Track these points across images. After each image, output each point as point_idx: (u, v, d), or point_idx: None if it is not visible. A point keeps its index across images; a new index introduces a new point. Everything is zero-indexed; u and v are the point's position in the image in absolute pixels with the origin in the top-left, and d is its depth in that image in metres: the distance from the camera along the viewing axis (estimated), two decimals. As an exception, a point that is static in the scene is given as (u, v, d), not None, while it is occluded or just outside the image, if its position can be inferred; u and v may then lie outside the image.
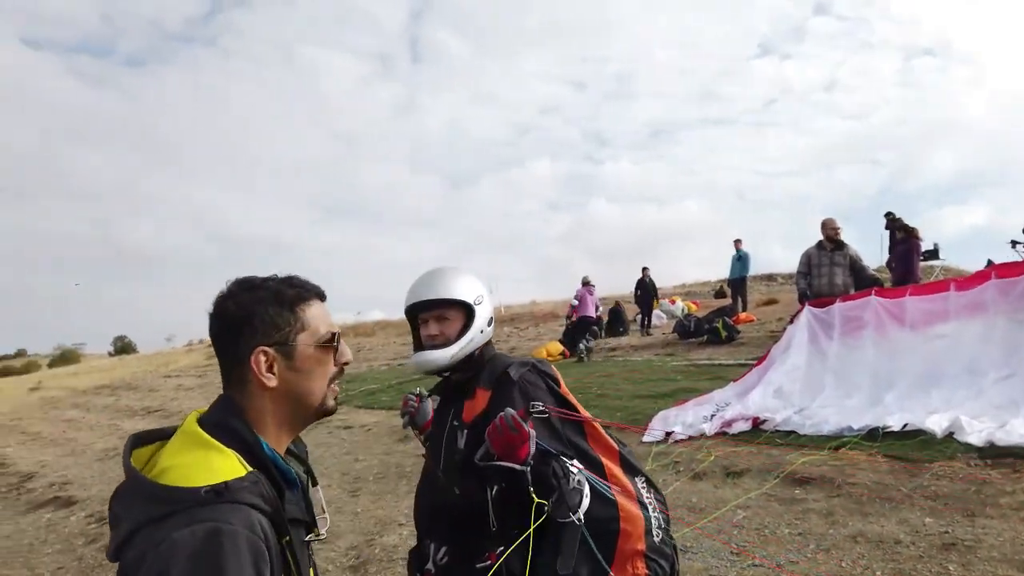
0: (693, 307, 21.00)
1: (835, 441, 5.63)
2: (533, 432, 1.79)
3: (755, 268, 18.69)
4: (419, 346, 2.14)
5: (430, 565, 1.99)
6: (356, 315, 37.81)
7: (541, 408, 1.95)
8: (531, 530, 1.77)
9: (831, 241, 9.08)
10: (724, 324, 13.87)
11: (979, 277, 6.88)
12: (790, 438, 6.07)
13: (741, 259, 17.35)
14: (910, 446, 5.24)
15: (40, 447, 14.05)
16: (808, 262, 9.21)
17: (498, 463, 1.76)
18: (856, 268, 8.97)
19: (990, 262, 8.60)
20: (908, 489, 4.49)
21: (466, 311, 2.08)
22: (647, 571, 1.92)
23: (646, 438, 6.75)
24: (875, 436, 5.62)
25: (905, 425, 5.67)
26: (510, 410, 1.75)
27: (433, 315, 2.08)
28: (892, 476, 4.75)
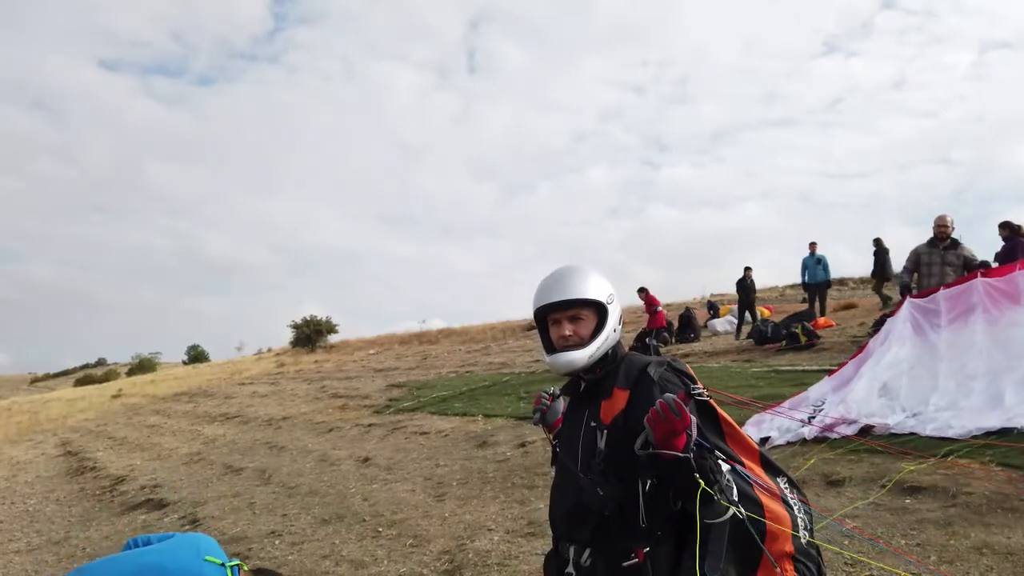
0: (767, 312, 20.46)
1: (943, 448, 5.37)
2: (695, 419, 1.75)
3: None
4: (550, 347, 2.12)
5: (570, 568, 1.96)
6: (421, 323, 38.32)
7: (701, 390, 1.91)
8: (699, 520, 1.73)
9: (942, 239, 8.58)
10: (803, 329, 13.48)
11: None
12: (895, 442, 5.83)
13: (820, 262, 16.89)
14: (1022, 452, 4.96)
15: (128, 451, 14.65)
16: (917, 259, 8.72)
17: (659, 451, 1.71)
18: (969, 267, 8.41)
19: None
20: (1031, 499, 4.25)
21: (599, 311, 2.06)
22: (795, 573, 1.86)
23: None
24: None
25: None
26: (670, 395, 1.70)
27: (567, 315, 2.05)
28: (1011, 486, 4.49)
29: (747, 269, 18.51)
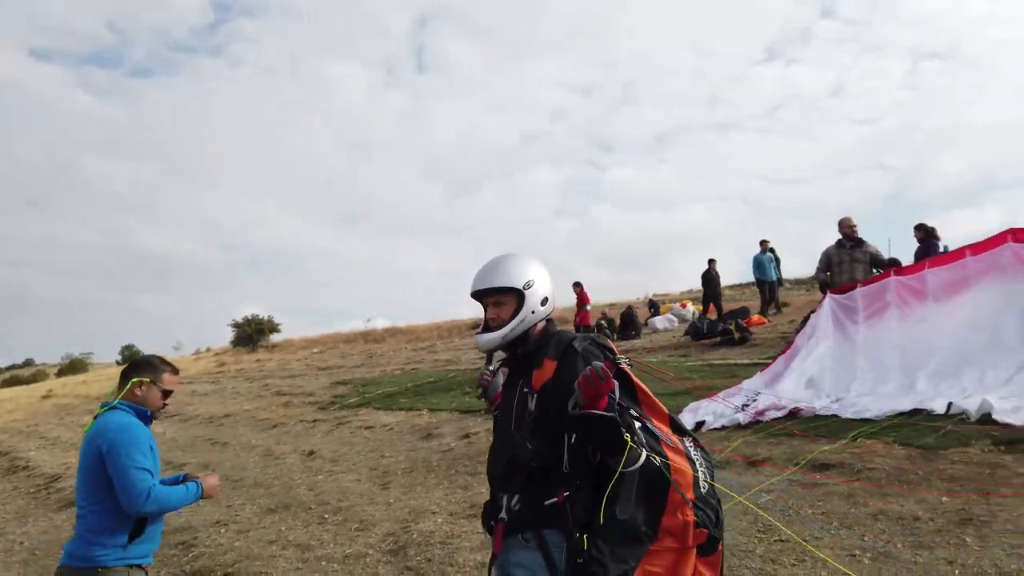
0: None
1: (854, 431, 5.84)
2: (616, 384, 2.05)
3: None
4: (485, 327, 2.42)
5: (503, 514, 2.24)
6: (366, 322, 38.11)
7: (627, 360, 2.22)
8: (620, 469, 2.03)
9: (850, 239, 9.20)
10: (737, 326, 14.08)
11: (995, 241, 6.99)
12: (817, 424, 6.31)
13: (773, 260, 17.47)
14: (923, 432, 5.46)
15: (61, 451, 14.28)
16: (828, 260, 9.34)
17: (586, 412, 2.01)
18: (876, 263, 9.09)
19: None
20: (925, 473, 4.70)
21: (518, 296, 2.35)
22: (694, 517, 2.16)
23: None
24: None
25: (949, 406, 5.94)
26: (598, 363, 1.99)
27: (491, 300, 2.38)
28: (909, 462, 4.96)
29: (711, 262, 18.99)
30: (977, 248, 7.07)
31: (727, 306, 20.15)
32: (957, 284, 7.07)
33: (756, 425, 6.77)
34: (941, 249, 11.51)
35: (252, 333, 36.15)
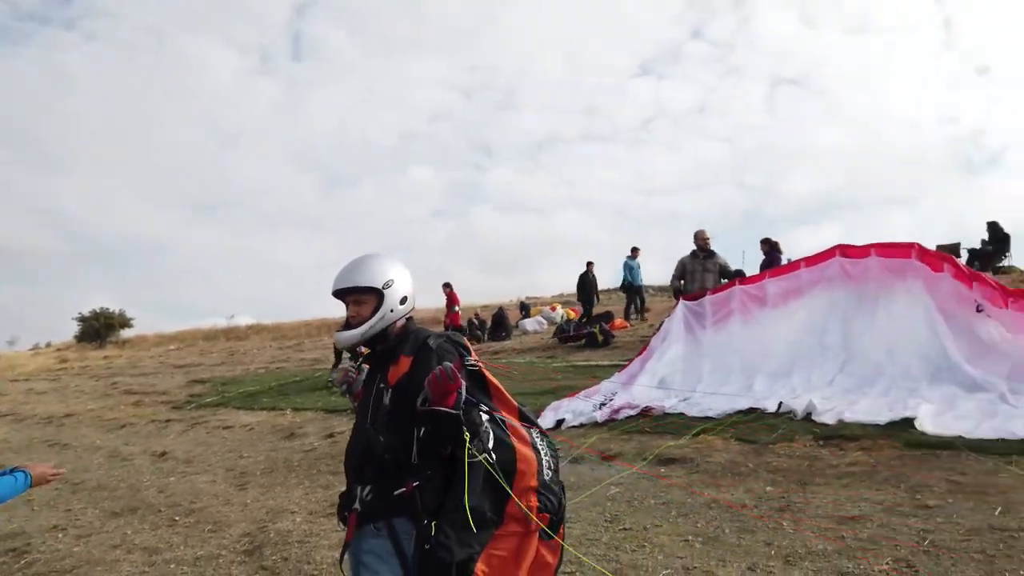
0: (572, 314, 21.88)
1: (697, 428, 6.32)
2: (464, 383, 2.17)
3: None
4: (347, 325, 2.50)
5: (357, 504, 2.31)
6: (228, 319, 36.46)
7: (474, 362, 2.35)
8: (465, 463, 2.15)
9: (703, 250, 9.97)
10: (600, 329, 14.73)
11: (825, 255, 7.87)
12: (666, 422, 6.77)
13: (639, 267, 18.31)
14: (757, 429, 6.01)
15: None
16: (683, 268, 10.08)
17: (434, 408, 2.12)
18: (725, 274, 9.92)
19: None
20: (754, 465, 5.18)
21: (378, 295, 2.44)
22: (538, 503, 2.32)
23: None
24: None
25: (780, 405, 6.56)
26: (448, 363, 2.11)
27: (352, 299, 2.46)
28: (742, 456, 5.44)
29: (589, 264, 19.55)
30: (810, 261, 7.88)
31: (593, 311, 20.93)
32: (792, 293, 7.83)
33: (612, 423, 7.15)
34: (784, 261, 12.59)
35: (100, 328, 33.67)
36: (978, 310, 6.67)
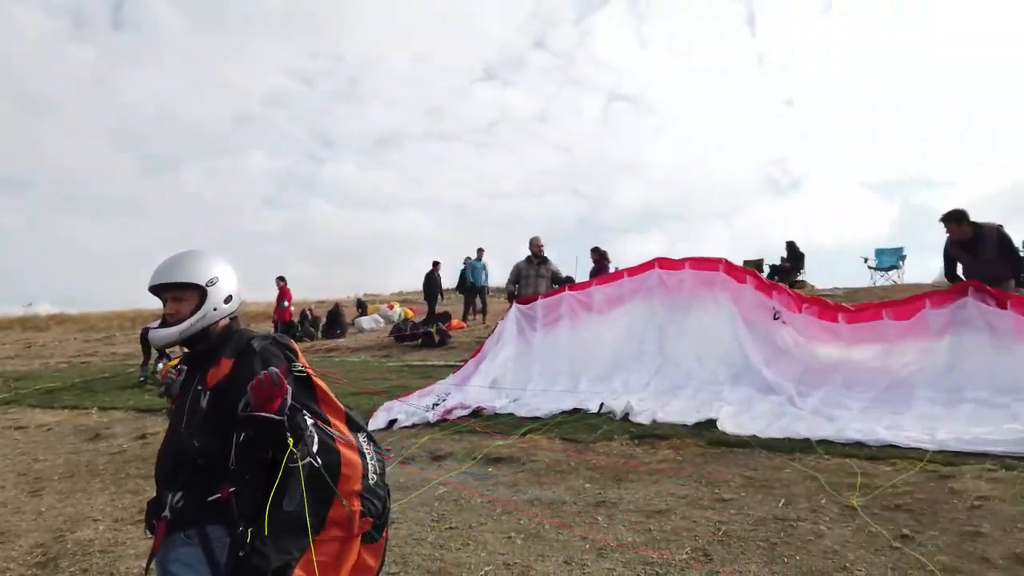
0: (410, 313, 21.81)
1: (525, 427, 6.56)
2: (290, 388, 2.13)
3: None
4: (164, 322, 2.39)
5: (166, 512, 2.21)
6: (26, 307, 32.82)
7: (300, 368, 2.31)
8: (283, 467, 2.11)
9: (537, 256, 10.41)
10: (438, 329, 14.81)
11: (646, 266, 8.50)
12: (496, 422, 6.95)
13: (485, 267, 18.49)
14: (580, 428, 6.34)
15: None
16: (518, 273, 10.49)
17: (257, 414, 2.06)
18: (556, 280, 10.40)
19: None
20: (575, 463, 5.46)
21: (200, 292, 2.36)
22: (362, 507, 2.34)
23: (370, 426, 7.16)
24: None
25: (602, 406, 6.93)
26: (274, 368, 2.07)
27: (171, 295, 2.37)
28: (565, 454, 5.71)
29: (435, 263, 19.47)
30: (632, 271, 8.45)
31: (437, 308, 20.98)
32: (615, 300, 8.35)
33: (444, 423, 7.24)
34: (611, 270, 13.35)
35: None
36: (775, 318, 7.45)
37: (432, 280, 19.17)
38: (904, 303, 7.06)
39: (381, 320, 22.01)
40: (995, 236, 6.97)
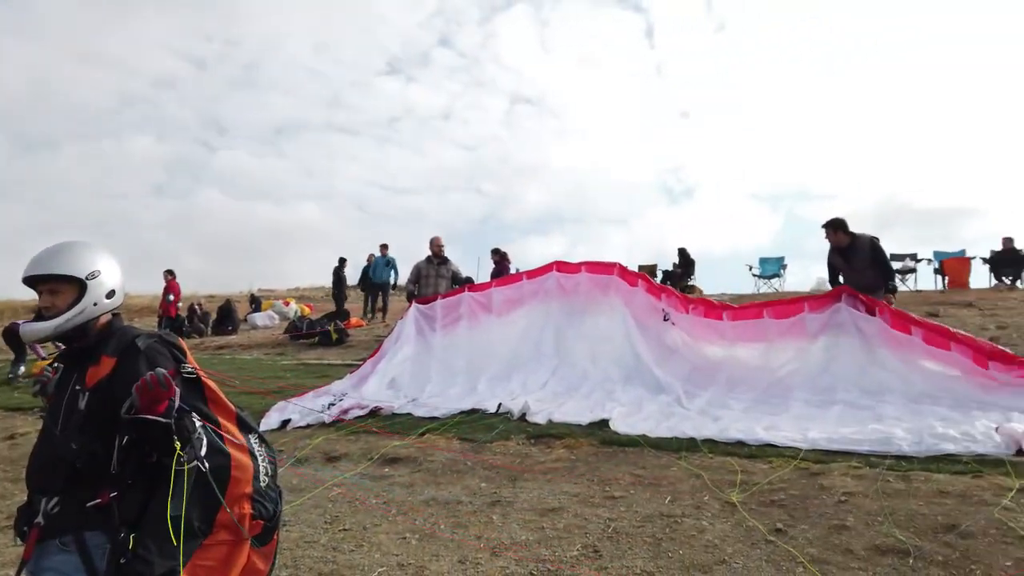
0: (307, 310, 21.29)
1: (423, 427, 6.55)
2: (178, 390, 2.05)
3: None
4: (38, 316, 2.25)
5: (39, 518, 2.09)
6: None
7: (190, 369, 2.23)
8: (173, 472, 2.03)
9: (437, 256, 10.40)
10: (336, 327, 14.51)
11: (544, 269, 8.67)
12: (393, 422, 6.91)
13: (389, 263, 18.15)
14: (478, 428, 6.39)
15: None
16: (418, 273, 10.43)
17: (143, 416, 1.98)
18: (456, 280, 10.43)
19: None
20: (472, 463, 5.51)
21: (79, 285, 2.25)
22: (252, 510, 2.29)
23: (263, 427, 6.95)
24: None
25: (499, 406, 7.01)
26: (161, 370, 1.99)
27: (47, 288, 2.25)
28: (463, 454, 5.75)
29: (342, 260, 18.98)
30: (531, 274, 8.61)
31: (330, 307, 20.55)
32: (515, 302, 8.48)
33: (340, 423, 7.12)
34: (512, 271, 13.51)
35: None
36: (665, 319, 7.77)
37: (340, 277, 18.84)
38: (784, 304, 7.56)
39: (276, 317, 21.39)
40: (868, 247, 7.54)
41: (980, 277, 17.22)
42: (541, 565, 3.66)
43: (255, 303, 23.37)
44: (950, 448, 5.01)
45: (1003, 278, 16.88)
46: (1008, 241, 16.99)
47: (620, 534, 4.01)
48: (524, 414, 6.73)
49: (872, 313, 6.92)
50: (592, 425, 6.42)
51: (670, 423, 6.30)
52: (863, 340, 6.84)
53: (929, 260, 17.43)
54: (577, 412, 6.75)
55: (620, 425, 6.25)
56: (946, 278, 17.14)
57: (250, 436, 2.48)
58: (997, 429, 5.19)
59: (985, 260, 17.06)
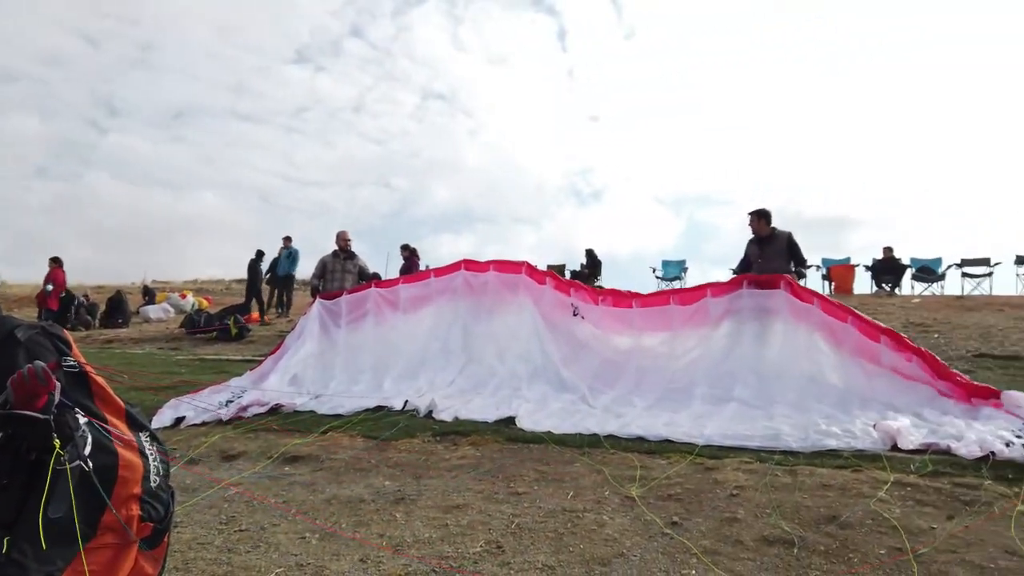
0: (205, 303, 20.46)
1: (326, 425, 6.42)
2: (59, 384, 1.93)
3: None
4: None
5: None
6: None
7: (73, 363, 2.09)
8: (51, 472, 1.91)
9: (344, 251, 10.21)
10: (235, 321, 14.01)
11: (452, 267, 8.66)
12: (294, 420, 6.73)
13: (291, 256, 17.62)
14: (383, 426, 6.32)
15: None
16: (323, 267, 10.21)
17: (19, 412, 1.85)
18: (363, 276, 10.27)
19: None
20: (376, 461, 5.44)
21: None
22: (141, 512, 2.18)
23: (154, 425, 6.63)
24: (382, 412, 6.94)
25: (406, 403, 6.96)
26: (40, 363, 1.86)
27: None
28: (366, 452, 5.67)
29: (259, 253, 18.27)
30: (440, 272, 8.59)
31: (230, 301, 19.82)
32: (422, 299, 8.44)
33: (238, 421, 6.89)
34: (422, 267, 13.42)
35: None
36: (575, 314, 7.91)
37: (255, 270, 18.20)
38: (689, 291, 7.83)
39: (171, 310, 20.45)
40: (785, 241, 8.06)
41: (863, 283, 18.45)
42: (444, 562, 3.66)
43: (148, 295, 22.26)
44: (832, 444, 5.34)
45: (883, 285, 18.15)
46: (888, 251, 18.26)
47: (523, 530, 4.05)
48: (431, 412, 6.70)
49: (775, 287, 7.16)
50: (499, 422, 6.46)
51: (574, 420, 6.42)
52: (763, 324, 7.13)
53: (818, 267, 18.48)
54: (484, 409, 6.78)
55: (526, 422, 6.32)
56: (833, 284, 18.25)
57: (141, 434, 2.37)
58: (875, 426, 5.57)
59: (868, 268, 18.27)
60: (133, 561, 2.20)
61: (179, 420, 6.98)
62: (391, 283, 9.06)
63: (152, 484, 2.26)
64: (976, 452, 4.92)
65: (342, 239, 10.19)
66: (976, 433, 5.26)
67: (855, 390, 6.55)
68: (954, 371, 6.56)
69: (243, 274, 18.41)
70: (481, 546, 3.84)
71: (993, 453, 4.85)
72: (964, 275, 17.75)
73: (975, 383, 6.35)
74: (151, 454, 2.33)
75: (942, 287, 17.94)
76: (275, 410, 7.16)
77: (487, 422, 6.45)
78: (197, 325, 14.70)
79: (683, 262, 20.91)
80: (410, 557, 3.73)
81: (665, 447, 5.59)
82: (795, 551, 3.59)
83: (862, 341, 6.78)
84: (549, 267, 17.14)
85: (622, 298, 7.90)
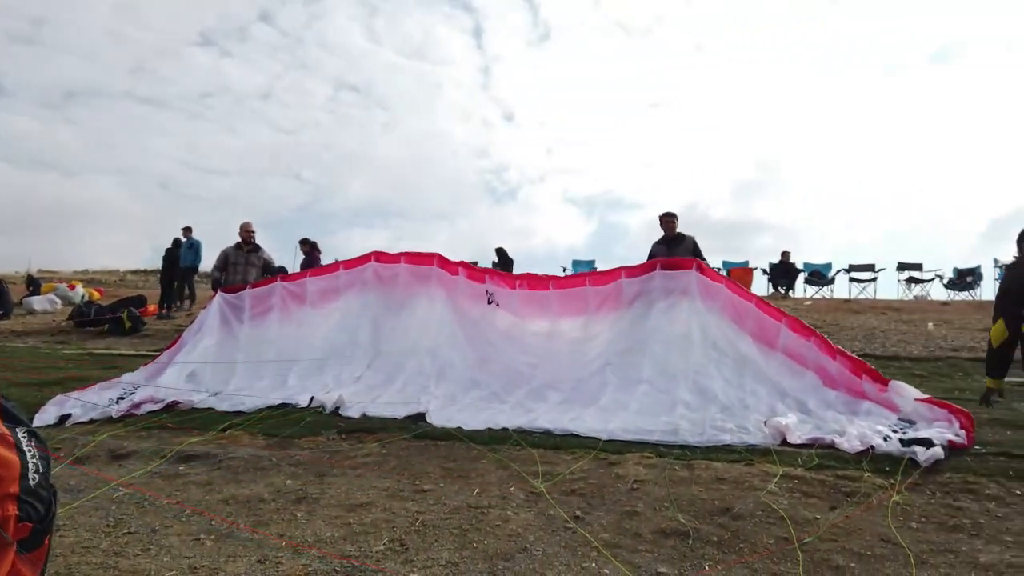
0: (96, 295, 19.36)
1: (226, 422, 6.19)
2: None
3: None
4: None
5: None
6: None
7: None
8: None
9: (247, 243, 9.88)
10: (129, 314, 13.34)
11: (362, 260, 8.48)
12: (192, 417, 6.45)
13: (192, 246, 16.88)
14: (286, 423, 6.16)
15: None
16: (225, 259, 9.83)
17: None
18: (268, 269, 9.96)
19: None
20: (278, 459, 5.29)
21: None
22: (19, 512, 2.04)
23: (36, 423, 6.21)
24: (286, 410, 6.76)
25: (312, 400, 6.79)
26: None
27: None
28: (267, 450, 5.50)
29: (176, 241, 17.31)
30: (348, 264, 8.42)
31: (124, 292, 18.83)
32: (330, 293, 8.26)
33: (130, 418, 6.56)
34: (323, 262, 13.13)
35: None
36: (489, 302, 7.89)
37: (173, 259, 17.30)
38: (604, 274, 7.95)
39: (58, 301, 19.23)
40: (692, 244, 8.91)
41: (761, 286, 19.36)
42: (346, 561, 3.60)
43: (33, 285, 20.85)
44: (727, 439, 5.58)
45: (779, 287, 19.09)
46: (785, 255, 19.22)
47: (427, 527, 4.03)
48: (338, 408, 6.58)
49: (687, 267, 7.40)
50: (408, 418, 6.41)
51: (485, 415, 6.43)
52: (672, 302, 7.33)
53: (718, 269, 19.23)
54: (392, 405, 6.70)
55: (436, 418, 6.29)
56: (732, 285, 19.02)
57: (18, 430, 2.21)
58: (766, 423, 5.86)
59: (765, 271, 19.19)
60: (11, 564, 2.06)
61: (64, 418, 6.58)
62: (298, 276, 8.81)
63: (31, 482, 2.11)
64: (857, 446, 5.26)
65: (245, 230, 9.85)
66: (857, 428, 5.62)
67: (751, 365, 6.89)
68: (846, 350, 7.02)
69: (139, 264, 17.58)
70: (384, 544, 3.80)
71: (873, 447, 5.19)
72: (852, 280, 18.95)
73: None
74: (29, 451, 2.18)
75: (831, 291, 19.10)
76: (171, 408, 6.86)
77: (396, 418, 6.39)
78: (87, 317, 13.88)
79: (593, 262, 21.34)
80: (311, 556, 3.65)
81: (570, 442, 5.69)
82: (690, 542, 3.73)
83: (763, 320, 7.16)
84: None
85: (539, 281, 7.93)
